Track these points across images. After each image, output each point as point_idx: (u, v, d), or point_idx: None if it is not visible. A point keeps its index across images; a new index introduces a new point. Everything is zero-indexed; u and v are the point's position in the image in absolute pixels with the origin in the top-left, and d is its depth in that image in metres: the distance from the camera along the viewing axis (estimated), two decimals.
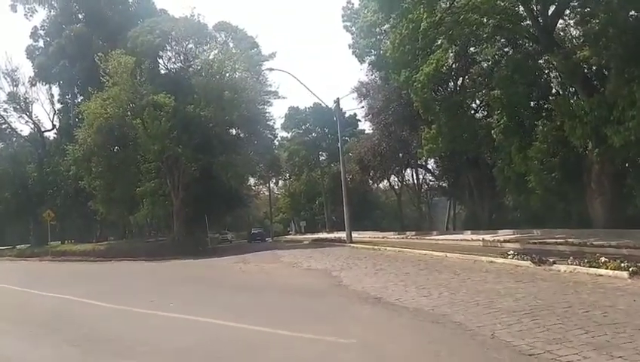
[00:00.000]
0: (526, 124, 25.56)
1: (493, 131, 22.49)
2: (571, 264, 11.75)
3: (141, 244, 36.31)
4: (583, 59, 18.56)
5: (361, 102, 36.62)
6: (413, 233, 37.99)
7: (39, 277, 22.23)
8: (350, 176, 78.57)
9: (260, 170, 38.22)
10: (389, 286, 11.00)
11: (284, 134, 77.20)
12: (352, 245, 27.64)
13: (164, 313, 9.77)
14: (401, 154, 35.99)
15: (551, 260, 12.63)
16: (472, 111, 30.19)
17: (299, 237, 63.09)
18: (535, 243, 19.21)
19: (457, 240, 25.96)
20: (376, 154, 35.02)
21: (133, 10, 45.56)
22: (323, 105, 38.24)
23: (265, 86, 35.19)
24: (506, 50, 28.70)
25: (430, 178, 44.33)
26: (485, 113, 31.95)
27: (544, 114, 25.52)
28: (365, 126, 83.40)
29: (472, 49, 30.45)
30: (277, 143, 48.11)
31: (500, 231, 27.06)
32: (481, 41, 27.57)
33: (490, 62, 29.74)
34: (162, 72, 37.94)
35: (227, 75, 34.62)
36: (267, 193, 79.76)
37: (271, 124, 38.39)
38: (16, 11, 47.86)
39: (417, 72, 22.47)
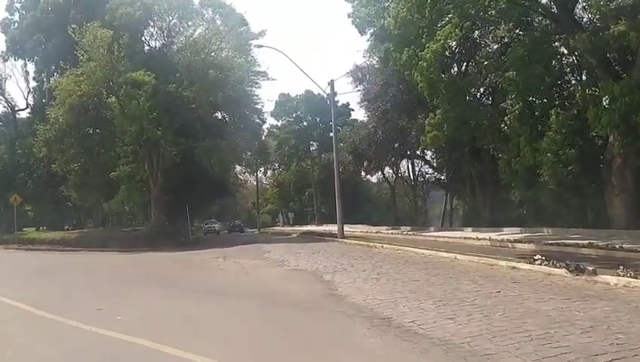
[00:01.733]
0: (537, 112, 23.44)
1: (506, 118, 20.26)
2: (623, 275, 9.47)
3: (116, 234, 33.79)
4: (617, 35, 16.25)
5: (356, 86, 34.23)
6: (409, 228, 35.73)
7: None
8: (342, 167, 76.59)
9: (246, 157, 35.61)
10: (397, 299, 8.66)
11: (274, 122, 74.74)
12: (344, 240, 25.31)
13: (103, 330, 7.39)
14: (397, 144, 33.64)
15: (590, 268, 10.35)
16: (477, 99, 27.91)
17: (287, 229, 60.75)
18: (552, 244, 17.04)
19: (459, 238, 23.71)
20: (372, 143, 32.65)
21: None
22: (316, 87, 35.78)
23: (253, 65, 32.54)
24: (516, 32, 26.56)
25: (427, 170, 42.08)
26: (490, 101, 29.81)
27: (557, 102, 23.42)
28: (359, 115, 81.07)
29: (476, 33, 28.37)
30: (266, 130, 45.44)
31: (504, 228, 24.90)
32: (488, 22, 25.45)
33: (499, 45, 27.55)
34: (143, 48, 35.20)
35: (213, 53, 32.05)
36: (254, 182, 77.39)
37: (259, 107, 35.86)
38: None
39: (422, 50, 20.13)
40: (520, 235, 21.51)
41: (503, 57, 25.06)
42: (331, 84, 27.15)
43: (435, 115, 21.41)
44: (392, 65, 28.09)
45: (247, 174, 61.65)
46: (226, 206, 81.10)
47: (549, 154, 21.55)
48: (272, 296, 10.21)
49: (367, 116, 35.23)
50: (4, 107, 45.60)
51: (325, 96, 26.56)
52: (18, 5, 45.00)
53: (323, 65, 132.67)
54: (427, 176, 43.50)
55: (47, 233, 35.57)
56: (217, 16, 35.49)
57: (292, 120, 75.03)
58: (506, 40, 26.88)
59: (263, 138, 45.50)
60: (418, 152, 35.82)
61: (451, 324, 6.65)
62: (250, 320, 8.02)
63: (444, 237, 24.94)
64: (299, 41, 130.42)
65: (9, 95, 44.79)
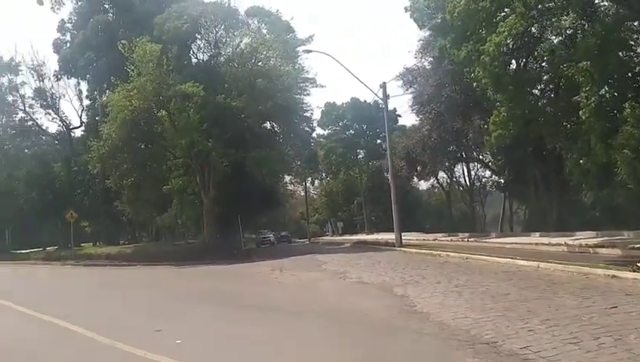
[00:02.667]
0: (608, 106, 21.60)
1: (581, 112, 18.55)
2: None
3: (169, 247, 33.64)
4: None
5: (407, 89, 32.92)
6: (467, 235, 34.12)
7: (48, 288, 19.48)
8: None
9: (296, 166, 34.87)
10: (493, 318, 7.48)
11: (321, 131, 73.99)
12: (403, 249, 24.06)
13: (160, 357, 6.56)
14: (453, 147, 32.08)
15: None
16: (542, 95, 26.18)
17: (337, 238, 59.76)
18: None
19: (528, 243, 22.15)
20: (426, 148, 31.23)
21: (161, 2, 43.01)
22: (362, 94, 34.48)
23: (301, 72, 31.85)
24: (581, 22, 24.80)
25: (485, 173, 40.16)
26: (553, 96, 27.99)
27: (630, 94, 21.50)
28: (406, 121, 79.56)
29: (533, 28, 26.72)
30: (315, 137, 44.63)
31: (577, 233, 23.07)
32: (549, 13, 23.84)
33: (562, 37, 25.79)
34: (191, 61, 35.20)
35: (260, 62, 31.64)
36: (303, 192, 76.83)
37: (308, 115, 35.08)
38: (42, 4, 45.52)
39: (483, 44, 18.81)
40: (598, 239, 19.78)
41: (569, 49, 23.40)
42: (383, 86, 26.08)
43: (500, 113, 19.97)
44: (446, 64, 26.83)
45: (295, 184, 61.15)
46: (275, 217, 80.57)
47: (626, 151, 19.70)
48: (339, 313, 9.21)
49: (420, 120, 33.86)
50: (59, 126, 46.78)
51: (379, 99, 25.47)
52: (69, 25, 46.16)
53: (371, 71, 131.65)
54: (484, 179, 41.51)
55: (103, 248, 35.83)
56: (263, 25, 35.06)
57: (338, 128, 74.18)
58: (570, 31, 25.19)
59: (312, 145, 44.59)
60: (475, 155, 34.08)
61: (578, 351, 5.44)
62: (316, 346, 7.02)
63: (511, 243, 23.38)
64: (346, 46, 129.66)
65: (63, 113, 45.92)
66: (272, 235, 51.98)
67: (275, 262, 23.76)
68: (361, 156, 77.16)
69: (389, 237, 36.89)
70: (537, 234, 26.37)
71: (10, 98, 44.72)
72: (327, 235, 79.50)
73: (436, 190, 73.13)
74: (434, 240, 31.80)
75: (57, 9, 47.02)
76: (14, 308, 12.10)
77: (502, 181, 36.50)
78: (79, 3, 45.11)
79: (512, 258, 15.20)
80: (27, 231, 61.58)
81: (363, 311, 9.10)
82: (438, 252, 20.09)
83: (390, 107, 65.48)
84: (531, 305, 8.25)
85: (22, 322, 10.29)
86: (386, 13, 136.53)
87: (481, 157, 34.98)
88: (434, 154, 32.92)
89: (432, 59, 28.90)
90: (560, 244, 19.29)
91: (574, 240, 20.25)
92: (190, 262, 26.88)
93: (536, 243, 21.51)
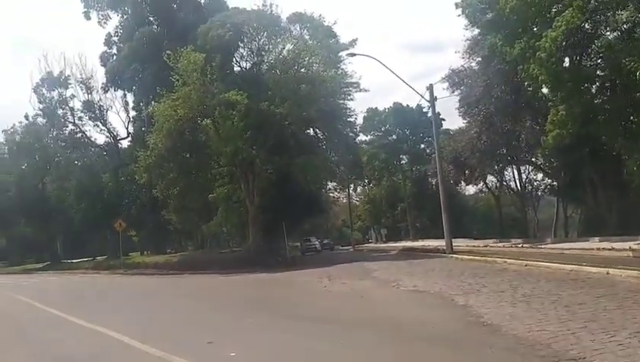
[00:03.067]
0: None
1: None
2: None
3: (215, 256, 33.74)
4: None
5: (453, 92, 31.97)
6: (520, 241, 32.82)
7: (99, 297, 19.59)
8: (436, 178, 73.63)
9: (340, 172, 34.39)
10: (574, 330, 6.76)
11: (363, 137, 73.34)
12: (454, 256, 23.15)
13: None
14: (503, 150, 30.89)
15: None
16: (600, 92, 24.88)
17: (381, 245, 58.97)
18: None
19: (589, 249, 20.92)
20: (475, 151, 30.18)
21: (205, 9, 43.57)
22: (405, 99, 33.62)
23: (345, 77, 31.43)
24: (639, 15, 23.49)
25: (536, 176, 38.64)
26: (609, 94, 26.62)
27: None
28: (453, 123, 77.59)
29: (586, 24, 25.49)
30: (358, 141, 43.95)
31: None
32: (605, 6, 22.69)
33: (619, 32, 24.49)
34: (234, 69, 35.35)
35: (303, 68, 31.44)
36: (345, 200, 76.20)
37: (352, 120, 34.59)
38: (89, 18, 47.51)
39: (538, 40, 17.96)
40: None
41: (627, 44, 22.17)
42: (430, 88, 25.35)
43: (558, 112, 18.97)
44: (496, 63, 25.89)
45: (338, 191, 60.60)
46: (317, 224, 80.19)
47: None
48: (400, 325, 8.62)
49: (467, 122, 32.80)
50: (107, 137, 47.97)
51: (425, 101, 24.77)
52: (115, 39, 47.36)
53: (415, 73, 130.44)
54: (535, 183, 39.91)
55: (151, 257, 36.31)
56: (305, 31, 34.93)
57: (381, 134, 73.36)
58: (627, 26, 23.89)
59: (357, 151, 43.98)
60: (527, 157, 32.72)
61: None
62: (386, 360, 6.49)
63: (569, 249, 22.18)
64: (387, 49, 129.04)
65: (111, 125, 47.13)
66: (317, 242, 49.79)
67: (321, 270, 23.33)
68: (404, 161, 76.13)
69: (437, 243, 35.93)
70: (597, 238, 24.97)
71: (60, 111, 46.12)
72: (370, 242, 78.57)
73: (484, 195, 71.43)
74: (485, 246, 30.64)
75: (104, 23, 48.75)
76: (67, 318, 12.05)
77: (555, 184, 34.96)
78: (125, 16, 46.28)
79: (577, 264, 14.22)
80: (77, 241, 63.47)
81: (425, 323, 8.50)
82: (494, 259, 19.17)
83: (441, 107, 64.62)
84: (613, 315, 7.49)
85: (75, 333, 10.15)
86: (428, 18, 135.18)
87: (533, 159, 33.59)
88: (483, 158, 31.79)
89: (480, 59, 27.94)
90: (624, 249, 18.05)
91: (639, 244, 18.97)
92: (236, 270, 26.79)
93: (598, 249, 20.30)
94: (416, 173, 74.41)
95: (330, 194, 57.55)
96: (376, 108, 72.74)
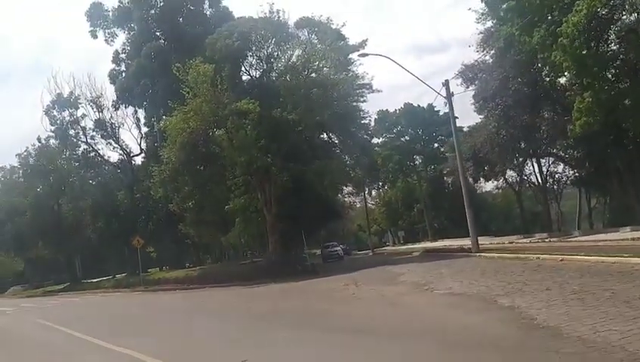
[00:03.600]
0: None
1: None
2: None
3: (235, 268, 33.27)
4: None
5: (467, 87, 31.34)
6: (545, 235, 32.05)
7: (124, 317, 19.19)
8: (453, 177, 72.67)
9: (356, 175, 33.81)
10: None
11: (375, 140, 72.84)
12: (482, 255, 22.44)
13: None
14: (523, 143, 30.11)
15: None
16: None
17: (401, 248, 58.14)
18: None
19: (623, 239, 20.21)
20: (494, 145, 29.45)
21: (212, 22, 43.41)
22: (415, 99, 32.64)
23: (356, 79, 30.92)
24: None
25: (558, 168, 37.73)
26: (630, 80, 25.82)
27: None
28: (466, 121, 76.63)
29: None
30: (373, 143, 43.23)
31: None
32: None
33: (637, 14, 23.77)
34: (244, 77, 35.09)
35: (313, 73, 31.02)
36: (359, 204, 75.50)
37: (366, 122, 34.07)
38: (96, 37, 47.61)
39: (559, 26, 17.34)
40: None
41: None
42: (446, 84, 24.70)
43: (584, 99, 18.28)
44: (512, 55, 25.26)
45: (353, 195, 60.08)
46: (333, 230, 79.47)
47: None
48: (445, 333, 8.04)
49: (484, 117, 32.08)
50: (120, 154, 47.88)
51: (442, 97, 24.09)
52: (123, 56, 47.38)
53: (426, 72, 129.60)
54: (557, 175, 38.98)
55: (171, 272, 35.95)
56: (313, 35, 34.56)
57: (393, 135, 72.88)
58: None
59: (371, 153, 43.37)
60: (549, 149, 31.86)
61: None
62: None
63: (602, 240, 21.47)
64: (396, 48, 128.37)
65: (123, 142, 46.99)
66: (340, 248, 46.78)
67: (346, 276, 22.79)
68: (418, 162, 75.47)
69: (459, 243, 35.18)
70: (628, 228, 24.20)
71: (72, 131, 46.14)
72: (387, 246, 77.83)
73: (500, 191, 70.42)
74: (510, 243, 29.91)
75: (111, 41, 48.89)
76: (98, 343, 11.58)
77: (579, 174, 34.03)
78: (131, 33, 46.29)
79: (619, 256, 13.52)
80: (96, 260, 63.47)
81: (473, 329, 7.91)
82: (526, 255, 18.48)
83: (446, 109, 63.94)
84: None
85: (110, 359, 9.68)
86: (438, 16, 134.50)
87: (554, 150, 32.73)
88: (503, 152, 31.08)
89: (493, 51, 27.29)
90: None
91: None
92: (258, 281, 26.31)
93: (633, 239, 19.59)
94: (432, 173, 73.71)
95: (346, 199, 56.96)
96: (387, 109, 72.33)
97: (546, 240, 27.67)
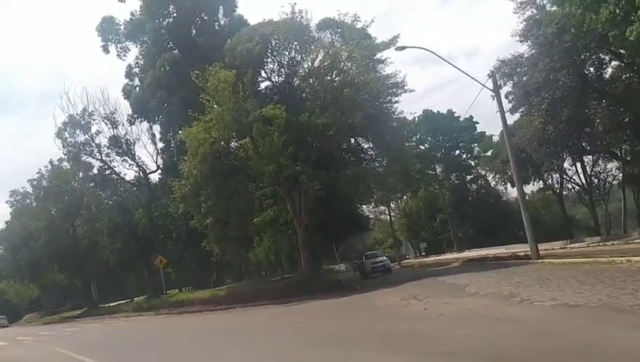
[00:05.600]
0: None
1: None
2: None
3: (264, 285, 31.13)
4: None
5: (505, 83, 29.21)
6: (597, 239, 29.74)
7: (155, 343, 16.99)
8: (480, 182, 70.28)
9: (390, 182, 31.58)
10: None
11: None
12: (547, 261, 20.15)
13: None
14: (574, 140, 27.86)
15: None
16: None
17: (427, 260, 55.43)
18: None
19: None
20: (542, 143, 27.24)
21: (227, 32, 41.87)
22: (435, 105, 30.04)
23: (388, 78, 28.84)
24: None
25: (605, 167, 35.39)
26: None
27: None
28: (488, 126, 73.40)
29: None
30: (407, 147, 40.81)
31: None
32: None
33: None
34: (265, 83, 33.37)
35: (341, 74, 29.09)
36: (381, 216, 73.20)
37: (400, 124, 31.93)
38: (108, 52, 46.19)
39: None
40: None
41: None
42: (493, 76, 22.69)
43: None
44: (562, 42, 23.19)
45: (378, 205, 57.76)
46: (351, 243, 76.76)
47: None
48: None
49: (526, 114, 29.83)
50: (136, 172, 46.19)
51: (489, 90, 22.04)
52: (137, 70, 45.95)
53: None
54: (602, 174, 36.56)
55: (195, 293, 33.81)
56: (336, 37, 32.77)
57: (413, 143, 70.55)
58: None
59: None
60: (604, 144, 29.50)
61: None
62: None
63: None
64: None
65: (139, 159, 45.28)
66: (386, 259, 38.45)
67: (392, 289, 20.71)
68: (439, 170, 73.08)
69: (494, 251, 32.82)
70: None
71: (86, 151, 44.54)
72: (407, 258, 75.03)
73: (527, 197, 67.82)
74: (560, 248, 27.56)
75: (123, 55, 47.51)
76: None
77: (632, 171, 31.63)
78: (144, 46, 44.88)
79: None
80: (112, 283, 61.53)
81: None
82: (608, 259, 16.23)
83: (467, 115, 61.76)
84: None
85: None
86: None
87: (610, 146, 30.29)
88: (552, 150, 28.84)
89: (543, 39, 25.22)
90: None
91: None
92: (293, 299, 24.21)
93: None
94: (455, 181, 71.32)
95: (374, 209, 54.63)
96: (404, 117, 70.04)
97: (598, 244, 25.41)
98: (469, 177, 71.22)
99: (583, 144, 28.20)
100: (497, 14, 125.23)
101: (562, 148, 29.09)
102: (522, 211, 22.83)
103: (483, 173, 67.57)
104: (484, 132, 66.59)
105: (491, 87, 22.63)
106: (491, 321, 9.77)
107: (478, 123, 66.64)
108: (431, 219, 74.12)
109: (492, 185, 60.64)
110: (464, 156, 69.78)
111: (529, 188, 61.27)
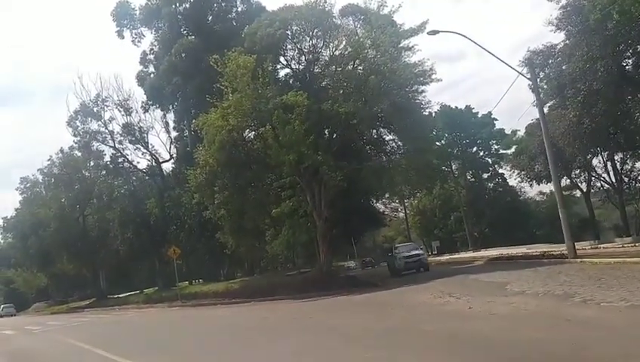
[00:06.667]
0: None
1: None
2: None
3: (281, 279, 29.99)
4: None
5: (537, 73, 27.75)
6: (629, 240, 28.45)
7: (176, 337, 15.89)
8: (497, 180, 68.70)
9: (413, 175, 30.31)
10: None
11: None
12: (587, 260, 18.91)
13: None
14: (612, 134, 26.45)
15: None
16: None
17: (441, 258, 53.98)
18: None
19: None
20: (576, 137, 25.88)
21: (244, 18, 40.74)
22: (452, 100, 28.03)
23: (415, 67, 27.52)
24: None
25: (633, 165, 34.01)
26: None
27: None
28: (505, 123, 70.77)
29: None
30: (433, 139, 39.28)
31: None
32: None
33: None
34: (285, 70, 32.25)
35: (361, 65, 27.89)
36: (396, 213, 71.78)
37: (427, 113, 30.77)
38: (123, 37, 45.31)
39: None
40: None
41: None
42: (530, 62, 21.53)
43: None
44: (603, 30, 21.88)
45: (394, 201, 56.47)
46: (362, 240, 75.09)
47: None
48: None
49: (555, 106, 28.37)
50: (149, 161, 45.23)
51: (526, 78, 20.82)
52: (151, 57, 45.02)
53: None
54: (632, 173, 35.08)
55: (209, 285, 32.76)
56: (359, 24, 31.58)
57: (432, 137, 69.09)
58: None
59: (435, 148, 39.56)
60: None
61: None
62: None
63: None
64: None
65: (152, 147, 44.30)
66: (422, 252, 32.68)
67: (420, 286, 19.80)
68: (454, 167, 71.53)
69: (515, 251, 31.40)
70: None
71: (99, 136, 43.61)
72: None
73: (545, 197, 66.23)
74: (593, 248, 26.22)
75: (137, 42, 46.57)
76: None
77: None
78: (159, 32, 43.87)
79: None
80: (122, 273, 60.72)
81: None
82: None
83: (484, 111, 60.18)
84: None
85: None
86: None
87: None
88: (588, 145, 27.45)
89: (576, 28, 23.95)
90: None
91: None
92: (311, 294, 23.18)
93: None
94: (471, 179, 69.79)
95: (388, 206, 53.28)
96: (431, 108, 68.52)
97: (632, 245, 24.11)
98: (485, 175, 69.58)
99: (621, 140, 26.71)
100: (511, 10, 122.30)
101: (598, 142, 27.69)
102: (559, 208, 21.57)
103: (501, 171, 66.05)
104: (503, 129, 65.16)
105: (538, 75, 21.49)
106: (562, 323, 8.59)
107: (497, 120, 65.21)
108: (445, 218, 72.58)
109: (514, 182, 58.78)
110: (481, 153, 68.22)
111: (547, 188, 60.13)
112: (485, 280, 18.34)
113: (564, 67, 25.38)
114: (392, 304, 16.01)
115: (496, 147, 67.33)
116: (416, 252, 30.79)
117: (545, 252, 24.53)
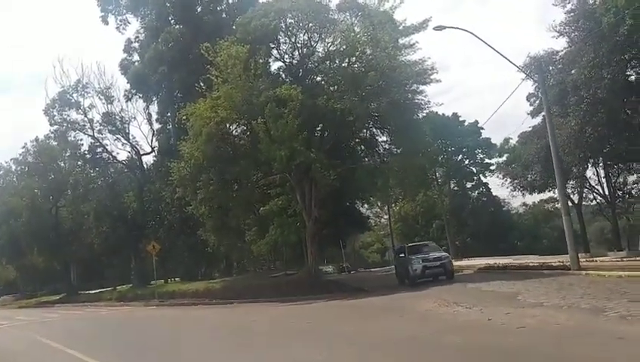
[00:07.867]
0: None
1: None
2: None
3: (265, 281, 28.69)
4: None
5: (535, 81, 27.12)
6: (622, 253, 27.96)
7: (159, 340, 14.53)
8: (481, 189, 68.37)
9: (409, 179, 29.26)
10: None
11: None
12: (593, 273, 18.07)
13: None
14: (612, 143, 25.82)
15: None
16: None
17: None
18: None
19: None
20: (578, 146, 25.16)
21: (234, 9, 39.46)
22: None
23: (417, 65, 26.54)
24: None
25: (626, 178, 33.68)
26: None
27: None
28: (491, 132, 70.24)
29: None
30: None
31: None
32: None
33: None
34: (277, 63, 30.97)
35: (358, 62, 26.84)
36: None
37: (425, 114, 29.79)
38: (107, 24, 43.57)
39: None
40: None
41: None
42: (538, 63, 20.80)
43: None
44: (614, 34, 21.21)
45: (377, 205, 55.48)
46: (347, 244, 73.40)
47: None
48: None
49: (555, 114, 27.63)
50: (129, 152, 43.40)
51: (532, 81, 20.06)
52: (136, 45, 43.35)
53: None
54: (625, 187, 34.71)
55: (187, 284, 31.19)
56: (357, 19, 30.49)
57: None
58: None
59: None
60: None
61: None
62: None
63: None
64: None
65: (133, 138, 42.48)
66: (446, 254, 25.62)
67: (417, 294, 18.61)
68: (438, 174, 70.95)
69: (502, 261, 30.53)
70: None
71: (77, 124, 41.67)
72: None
73: (528, 208, 66.20)
74: (588, 261, 25.51)
75: (122, 29, 44.79)
76: None
77: None
78: (146, 19, 42.21)
79: None
80: (94, 269, 58.56)
81: None
82: None
83: (471, 120, 59.72)
84: None
85: None
86: None
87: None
88: (589, 154, 26.80)
89: (583, 34, 23.29)
90: None
91: None
92: (299, 297, 22.00)
93: None
94: (455, 188, 69.33)
95: (370, 210, 52.33)
96: (430, 109, 67.58)
97: (627, 259, 23.56)
98: (469, 184, 69.30)
99: (623, 152, 26.08)
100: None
101: (600, 152, 27.07)
102: (563, 217, 20.78)
103: (485, 180, 65.89)
104: (490, 138, 64.98)
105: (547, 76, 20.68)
106: (614, 341, 7.57)
107: (483, 129, 64.91)
108: (427, 225, 72.04)
109: (505, 191, 58.14)
110: (466, 162, 67.89)
111: (532, 199, 59.93)
112: (488, 289, 17.38)
113: (570, 72, 24.62)
114: (392, 310, 14.96)
115: (481, 156, 67.02)
116: (438, 254, 24.16)
117: (543, 263, 23.71)
